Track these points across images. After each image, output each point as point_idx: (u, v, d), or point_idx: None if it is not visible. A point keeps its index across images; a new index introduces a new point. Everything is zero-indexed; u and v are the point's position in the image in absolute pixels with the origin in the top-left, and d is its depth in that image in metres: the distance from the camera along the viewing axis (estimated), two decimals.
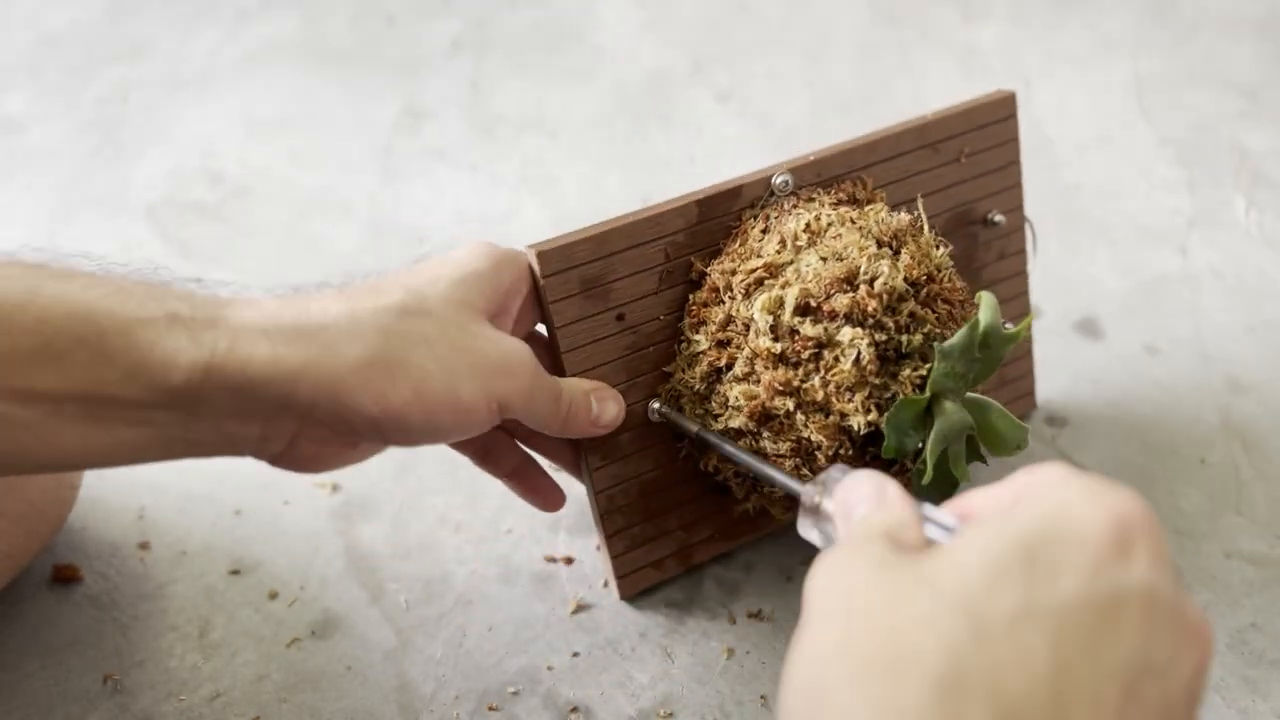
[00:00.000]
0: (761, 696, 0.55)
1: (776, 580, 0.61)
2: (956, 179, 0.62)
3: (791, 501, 0.55)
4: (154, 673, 0.58)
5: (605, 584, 0.61)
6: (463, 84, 1.12)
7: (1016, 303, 0.67)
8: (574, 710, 0.55)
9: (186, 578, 0.63)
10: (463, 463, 0.69)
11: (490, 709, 0.55)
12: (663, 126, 1.05)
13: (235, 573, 0.64)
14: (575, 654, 0.58)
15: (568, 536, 0.65)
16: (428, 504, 0.67)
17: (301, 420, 0.45)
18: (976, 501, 0.37)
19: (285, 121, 1.08)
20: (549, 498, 0.58)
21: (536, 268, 0.52)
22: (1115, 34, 1.14)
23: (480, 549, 0.64)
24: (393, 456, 0.70)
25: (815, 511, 0.42)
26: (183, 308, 0.43)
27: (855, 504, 0.38)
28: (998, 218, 0.63)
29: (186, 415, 0.43)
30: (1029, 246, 0.66)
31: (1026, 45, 1.13)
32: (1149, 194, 0.92)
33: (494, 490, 0.67)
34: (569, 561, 0.63)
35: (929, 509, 0.37)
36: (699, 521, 0.61)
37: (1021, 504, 0.33)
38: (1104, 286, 0.83)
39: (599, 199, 0.96)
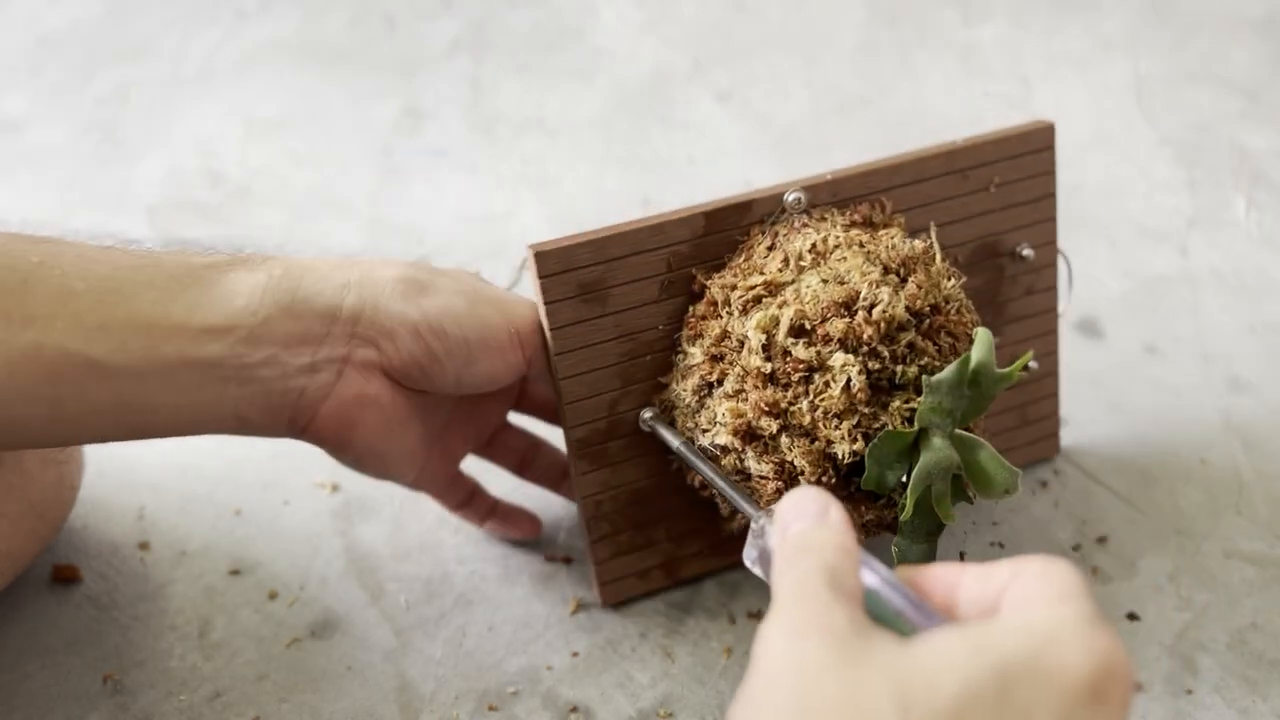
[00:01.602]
0: None
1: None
2: (984, 208, 0.59)
3: None
4: (154, 673, 0.58)
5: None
6: (463, 84, 1.12)
7: (1043, 341, 0.64)
8: (574, 710, 0.55)
9: (186, 578, 0.63)
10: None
11: (490, 709, 0.55)
12: (663, 126, 1.05)
13: (235, 573, 0.64)
14: (575, 654, 0.58)
15: (568, 537, 0.65)
16: (428, 504, 0.67)
17: (349, 339, 0.49)
18: (958, 581, 0.34)
19: (285, 121, 1.08)
20: (527, 527, 0.64)
21: (534, 268, 0.52)
22: (1115, 34, 1.14)
23: (480, 549, 0.64)
24: None
25: (761, 536, 0.40)
26: (242, 256, 0.49)
27: (794, 519, 0.36)
28: (1026, 251, 0.60)
29: (245, 343, 0.46)
30: (1063, 282, 0.63)
31: (1026, 45, 1.13)
32: (1149, 194, 0.92)
33: (494, 490, 0.67)
34: (569, 561, 0.63)
35: (867, 559, 0.35)
36: (689, 535, 0.60)
37: (1006, 622, 0.31)
38: (1104, 286, 0.83)
39: (599, 199, 0.96)
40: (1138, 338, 0.78)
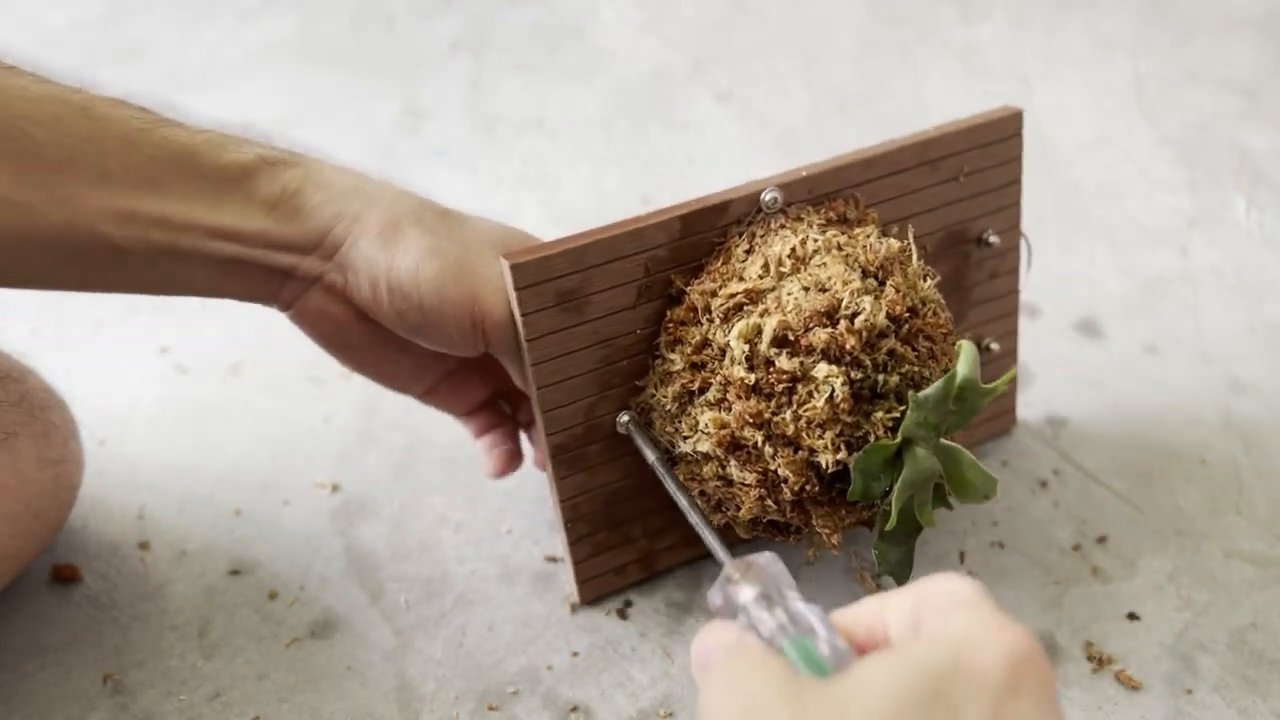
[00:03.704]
0: None
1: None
2: (953, 198, 0.60)
3: (755, 525, 0.55)
4: (154, 673, 0.58)
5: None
6: (463, 84, 1.12)
7: (1004, 322, 0.66)
8: (574, 710, 0.55)
9: (186, 578, 0.63)
10: (463, 462, 0.70)
11: (490, 709, 0.55)
12: (663, 126, 1.05)
13: (235, 573, 0.64)
14: (575, 654, 0.58)
15: None
16: (428, 504, 0.67)
17: (325, 262, 0.52)
18: (874, 612, 0.36)
19: (285, 121, 1.08)
20: (503, 465, 0.62)
21: (510, 280, 0.50)
22: (1115, 34, 1.14)
23: (480, 549, 0.64)
24: (393, 457, 0.70)
25: (728, 584, 0.41)
26: (270, 153, 0.51)
27: (712, 650, 0.36)
28: (993, 239, 0.61)
29: (248, 245, 0.51)
30: (1023, 264, 0.65)
31: (1026, 45, 1.13)
32: (1149, 194, 0.92)
33: (494, 490, 0.67)
34: None
35: (813, 618, 0.36)
36: (664, 529, 0.60)
37: (925, 634, 0.33)
38: (1104, 286, 0.83)
39: (599, 199, 0.96)
40: (1138, 338, 0.78)
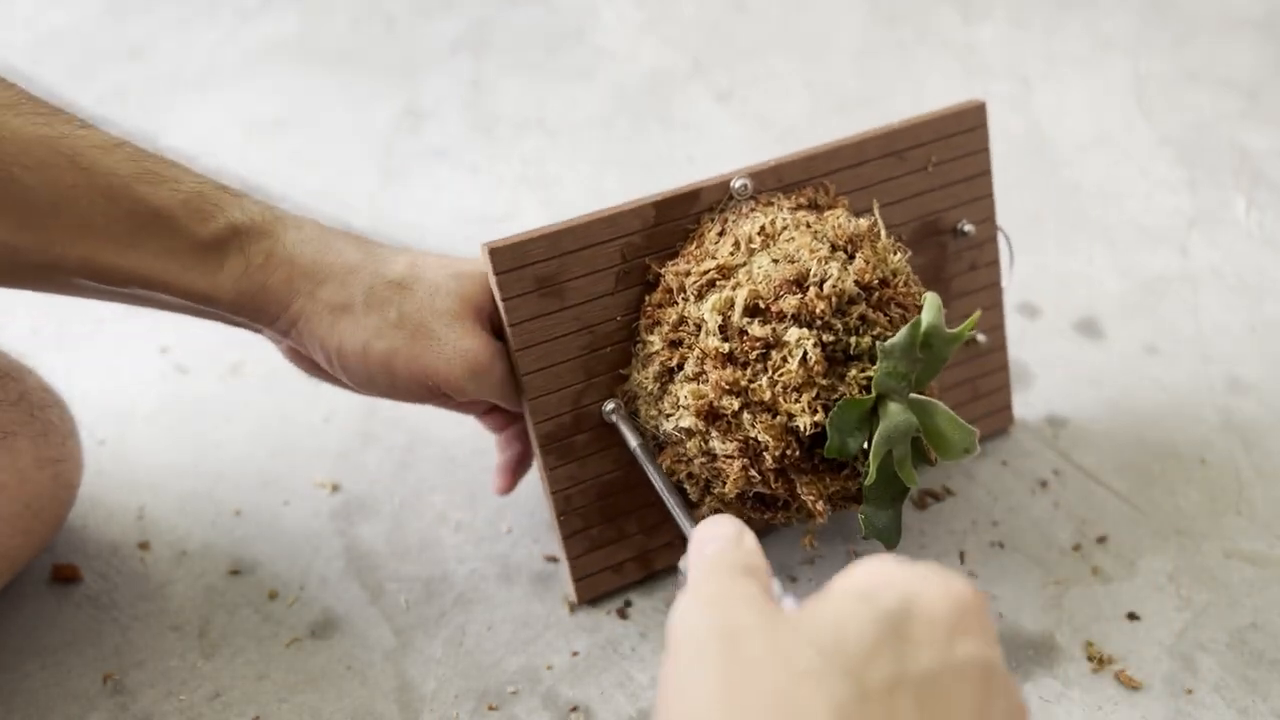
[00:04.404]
0: None
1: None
2: (924, 188, 0.61)
3: (742, 500, 0.55)
4: (154, 673, 0.58)
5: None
6: (463, 84, 1.12)
7: (991, 314, 0.66)
8: (574, 710, 0.55)
9: (186, 578, 0.63)
10: (463, 462, 0.70)
11: (490, 709, 0.55)
12: (662, 126, 1.05)
13: (235, 573, 0.64)
14: (575, 654, 0.58)
15: None
16: (428, 504, 0.67)
17: (286, 334, 0.55)
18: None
19: (285, 121, 1.08)
20: (504, 481, 0.63)
21: (489, 264, 0.52)
22: (1115, 34, 1.14)
23: (480, 549, 0.64)
24: (393, 456, 0.70)
25: None
26: (243, 220, 0.53)
27: (708, 540, 0.38)
28: (967, 228, 0.62)
29: (218, 307, 0.53)
30: (1004, 259, 0.65)
31: (1026, 45, 1.13)
32: (1149, 194, 0.92)
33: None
34: None
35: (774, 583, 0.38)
36: (660, 525, 0.60)
37: (880, 585, 0.35)
38: (1104, 286, 0.83)
39: (599, 199, 0.96)
40: (1138, 338, 0.78)
